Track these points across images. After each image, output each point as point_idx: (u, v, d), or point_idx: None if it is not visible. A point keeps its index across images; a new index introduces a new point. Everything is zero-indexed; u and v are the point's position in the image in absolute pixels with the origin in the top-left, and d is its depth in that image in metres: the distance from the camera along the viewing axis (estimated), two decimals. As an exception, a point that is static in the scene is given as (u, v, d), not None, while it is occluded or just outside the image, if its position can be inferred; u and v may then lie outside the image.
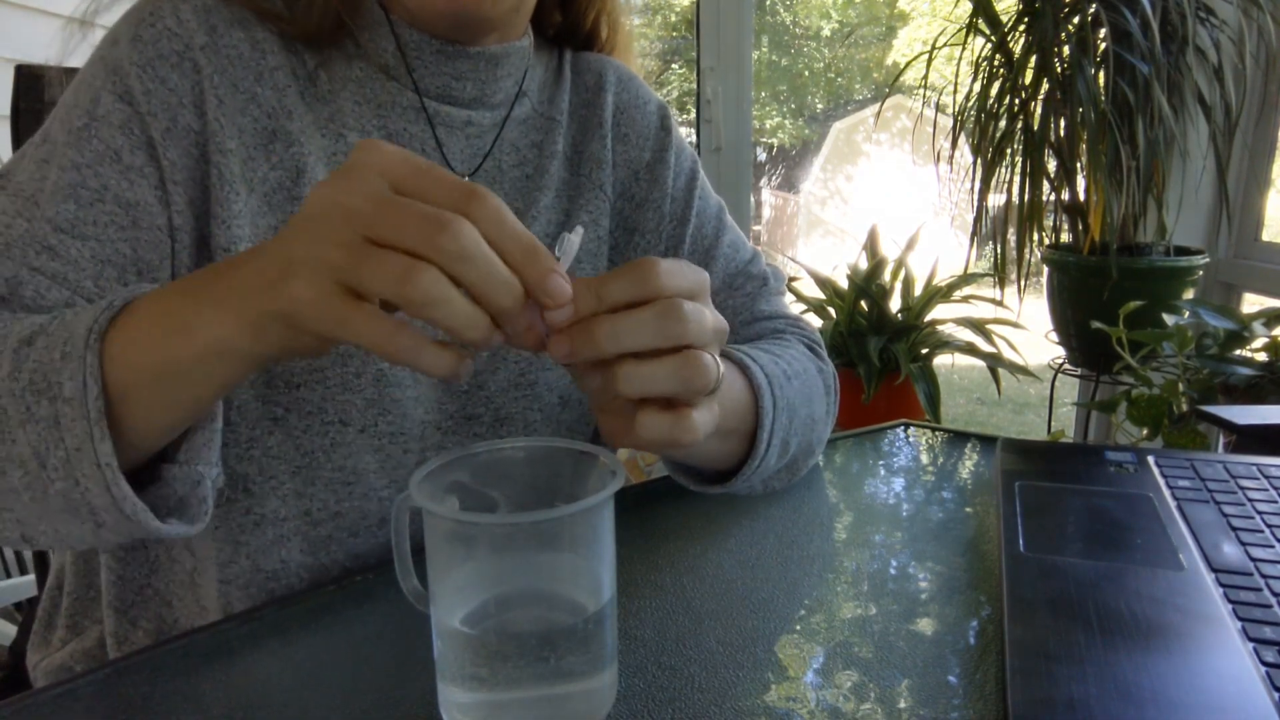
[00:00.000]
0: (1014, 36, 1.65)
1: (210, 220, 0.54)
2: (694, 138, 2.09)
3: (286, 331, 0.38)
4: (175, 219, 0.53)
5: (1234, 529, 0.53)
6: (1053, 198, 1.70)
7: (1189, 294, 1.59)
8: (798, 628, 0.48)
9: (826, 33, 11.61)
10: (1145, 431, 1.08)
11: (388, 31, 0.59)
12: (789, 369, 0.61)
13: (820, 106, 12.19)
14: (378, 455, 0.58)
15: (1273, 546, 0.51)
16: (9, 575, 1.58)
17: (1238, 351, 1.11)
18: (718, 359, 0.42)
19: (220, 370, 0.41)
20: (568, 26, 0.72)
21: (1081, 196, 1.64)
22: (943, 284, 2.24)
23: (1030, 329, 1.91)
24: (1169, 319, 1.17)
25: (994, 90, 1.67)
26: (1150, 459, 0.64)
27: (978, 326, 2.18)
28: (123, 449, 0.42)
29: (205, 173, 0.54)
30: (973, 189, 1.71)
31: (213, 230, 0.54)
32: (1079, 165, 1.60)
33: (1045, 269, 1.72)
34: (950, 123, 1.76)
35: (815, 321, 2.13)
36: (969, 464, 0.73)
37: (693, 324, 0.39)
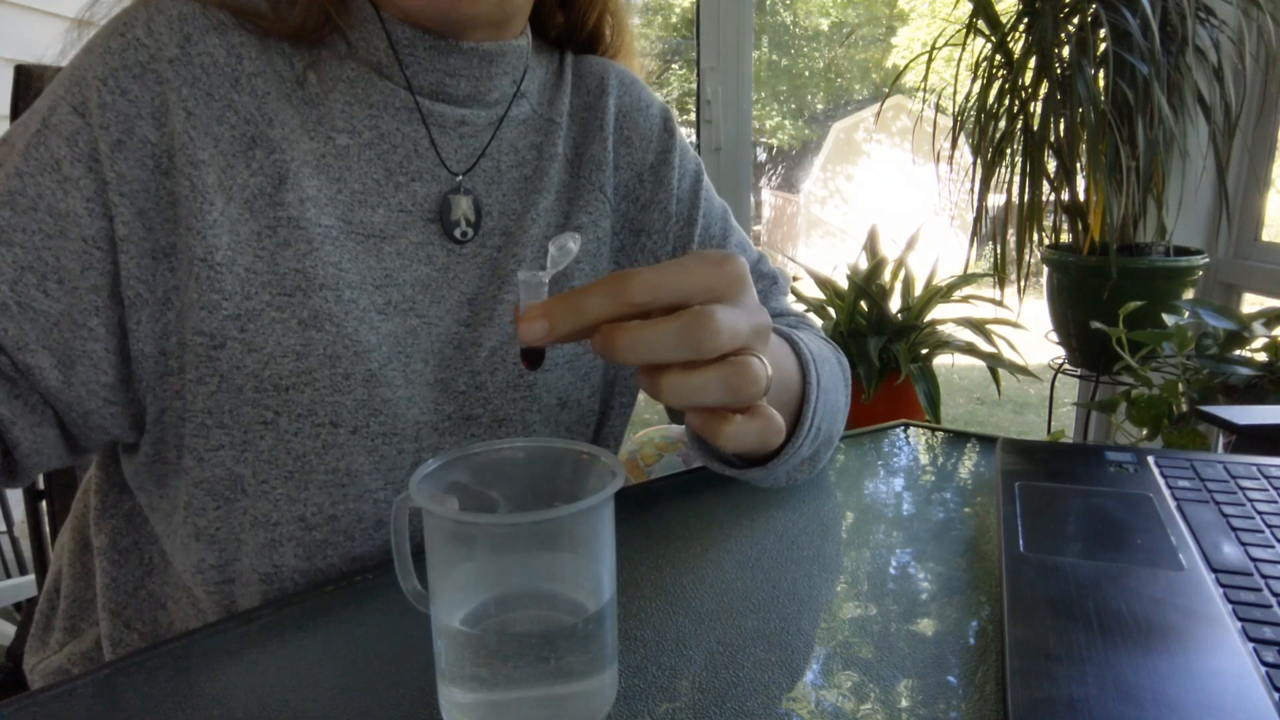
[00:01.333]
0: (1014, 37, 1.65)
1: (182, 230, 0.54)
2: (694, 138, 2.09)
3: None
4: (120, 229, 0.53)
5: (1234, 529, 0.53)
6: (1053, 198, 1.70)
7: (1189, 294, 1.59)
8: (798, 628, 0.48)
9: (825, 28, 11.61)
10: (1145, 431, 1.08)
11: (379, 29, 0.59)
12: (820, 353, 0.61)
13: (820, 106, 12.19)
14: (371, 456, 0.58)
15: (1273, 546, 0.51)
16: (9, 575, 1.58)
17: (1238, 351, 1.11)
18: (764, 360, 0.40)
19: None
20: (569, 28, 0.72)
21: (1081, 196, 1.64)
22: (943, 284, 2.24)
23: (1030, 329, 1.91)
24: (1169, 319, 1.17)
25: (994, 90, 1.67)
26: (1150, 459, 0.64)
27: (978, 326, 2.18)
28: None
29: (170, 185, 0.54)
30: (973, 189, 1.71)
31: (187, 240, 0.54)
32: (1079, 165, 1.60)
33: (1045, 269, 1.73)
34: (950, 123, 1.76)
35: (815, 321, 2.12)
36: (969, 464, 0.73)
37: (725, 335, 0.38)
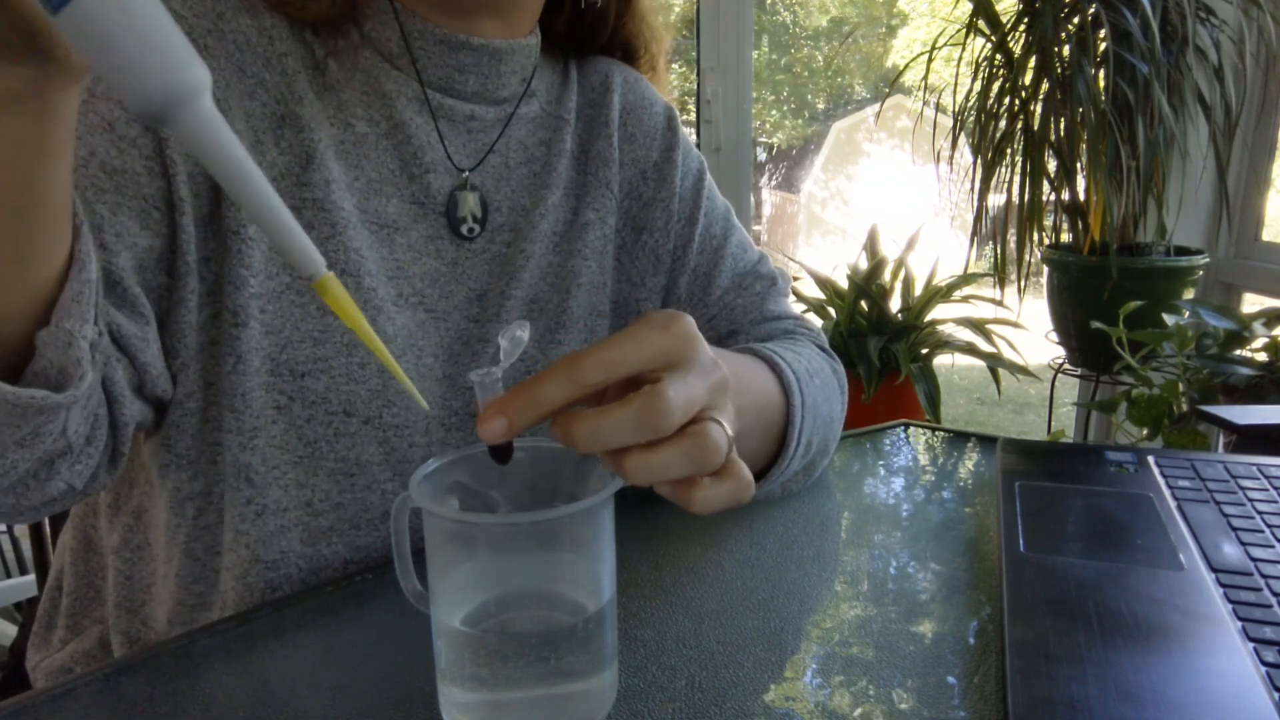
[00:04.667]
0: (1014, 36, 1.65)
1: (220, 201, 0.54)
2: (694, 137, 2.09)
3: None
4: (181, 189, 0.52)
5: (1234, 529, 0.53)
6: (1053, 198, 1.70)
7: (1189, 294, 1.59)
8: (798, 628, 0.48)
9: (824, 24, 11.60)
10: (1145, 431, 1.08)
11: (392, 20, 0.59)
12: (809, 367, 0.61)
13: (820, 106, 12.19)
14: (382, 447, 0.58)
15: (1273, 546, 0.51)
16: (9, 575, 1.58)
17: (1238, 351, 1.11)
18: (724, 422, 0.40)
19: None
20: (587, 34, 0.72)
21: (1081, 196, 1.64)
22: (943, 284, 2.24)
23: (1030, 329, 1.91)
24: (1169, 319, 1.17)
25: (994, 90, 1.67)
26: (1150, 459, 0.64)
27: (978, 326, 2.18)
28: None
29: None
30: (973, 189, 1.71)
31: (223, 211, 0.54)
32: (1079, 165, 1.60)
33: (1045, 269, 1.73)
34: (950, 122, 1.76)
35: (815, 321, 2.12)
36: (969, 464, 0.73)
37: (679, 410, 0.37)
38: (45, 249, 0.41)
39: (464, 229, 0.62)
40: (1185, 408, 1.07)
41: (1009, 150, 1.65)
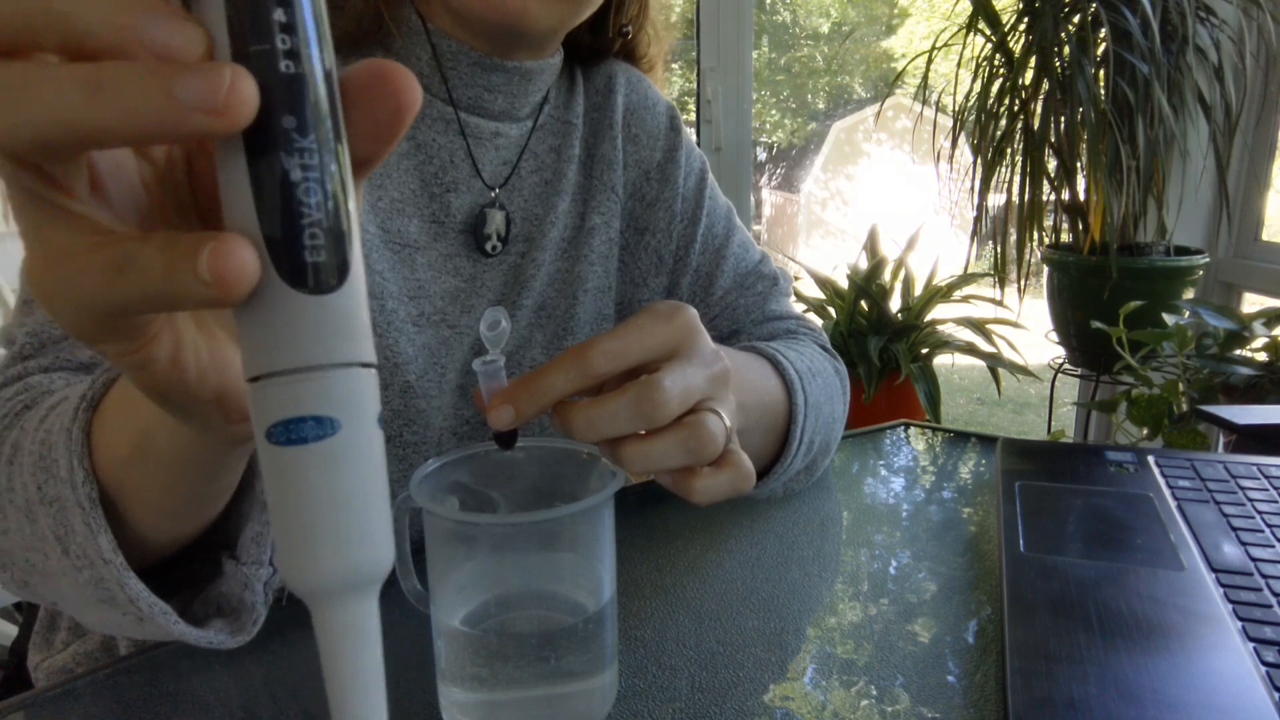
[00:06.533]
0: (1014, 36, 1.65)
1: None
2: (694, 137, 2.09)
3: None
4: None
5: (1234, 529, 0.53)
6: (1053, 198, 1.70)
7: (1189, 294, 1.59)
8: (798, 628, 0.48)
9: (825, 29, 11.60)
10: (1145, 431, 1.08)
11: (424, 41, 0.59)
12: (812, 366, 0.61)
13: (820, 106, 12.19)
14: (401, 465, 0.58)
15: (1273, 546, 0.51)
16: (9, 575, 1.58)
17: (1238, 351, 1.11)
18: (722, 413, 0.40)
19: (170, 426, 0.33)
20: (601, 43, 0.72)
21: (1081, 196, 1.64)
22: (943, 284, 2.24)
23: (1030, 329, 1.91)
24: (1169, 319, 1.17)
25: (994, 90, 1.67)
26: (1150, 459, 0.64)
27: (978, 326, 2.18)
28: (137, 535, 0.39)
29: None
30: (973, 189, 1.71)
31: None
32: (1079, 165, 1.60)
33: (1045, 269, 1.73)
34: (950, 122, 1.76)
35: (816, 321, 2.10)
36: (969, 464, 0.73)
37: (676, 400, 0.38)
38: (215, 504, 0.41)
39: (488, 246, 0.62)
40: (1185, 408, 1.07)
41: (1009, 150, 1.65)
